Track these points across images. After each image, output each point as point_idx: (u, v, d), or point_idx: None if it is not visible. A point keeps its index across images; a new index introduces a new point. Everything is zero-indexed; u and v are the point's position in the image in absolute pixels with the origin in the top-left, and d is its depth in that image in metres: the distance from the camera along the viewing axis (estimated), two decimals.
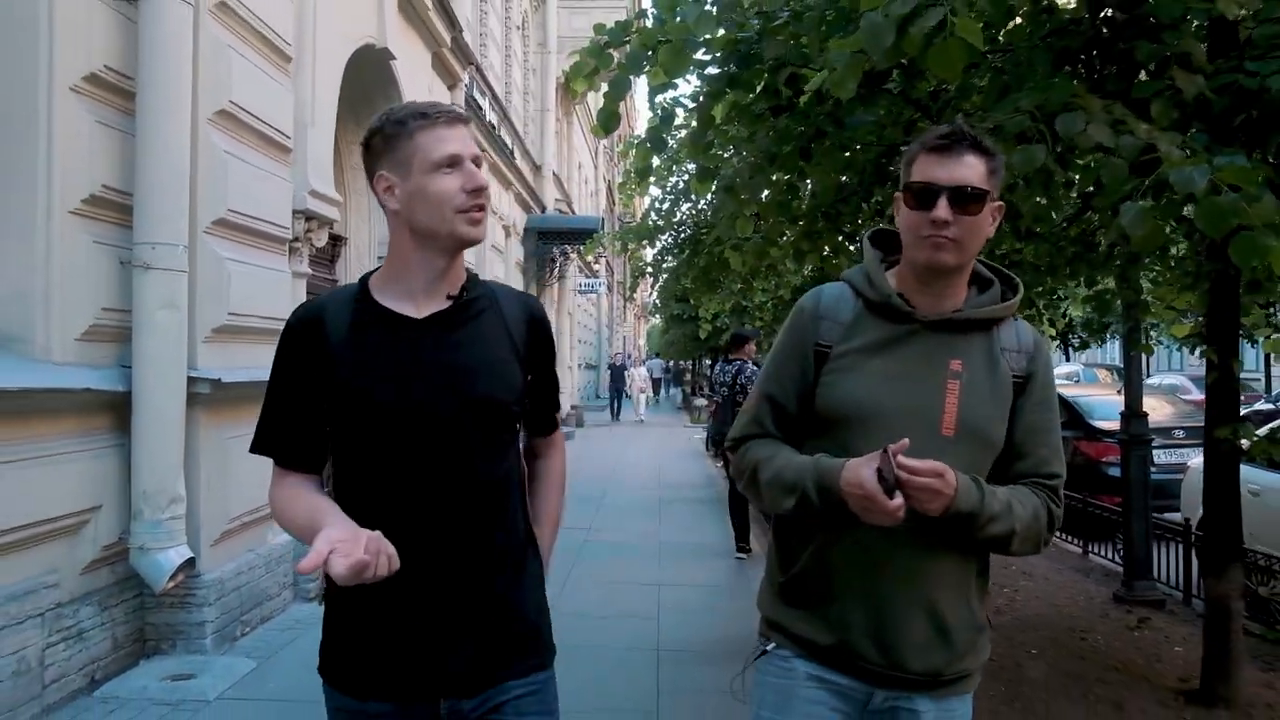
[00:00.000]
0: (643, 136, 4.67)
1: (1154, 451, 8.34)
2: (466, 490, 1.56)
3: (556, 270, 19.53)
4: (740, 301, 11.91)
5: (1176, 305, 5.00)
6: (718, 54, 3.94)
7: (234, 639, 4.73)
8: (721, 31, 3.75)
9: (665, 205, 10.29)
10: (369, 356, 1.54)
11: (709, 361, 24.73)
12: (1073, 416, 9.40)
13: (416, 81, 8.15)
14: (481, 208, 1.55)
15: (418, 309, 1.57)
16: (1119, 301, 5.12)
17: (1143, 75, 3.12)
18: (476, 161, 1.56)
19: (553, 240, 18.34)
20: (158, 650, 4.41)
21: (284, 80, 5.47)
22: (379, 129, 1.56)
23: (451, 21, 9.06)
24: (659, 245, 11.29)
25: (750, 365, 7.57)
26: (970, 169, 1.57)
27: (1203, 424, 4.25)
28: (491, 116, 12.95)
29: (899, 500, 1.45)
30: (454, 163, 1.52)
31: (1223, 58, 3.11)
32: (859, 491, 1.47)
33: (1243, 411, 14.82)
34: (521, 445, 1.78)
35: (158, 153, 4.19)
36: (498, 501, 1.61)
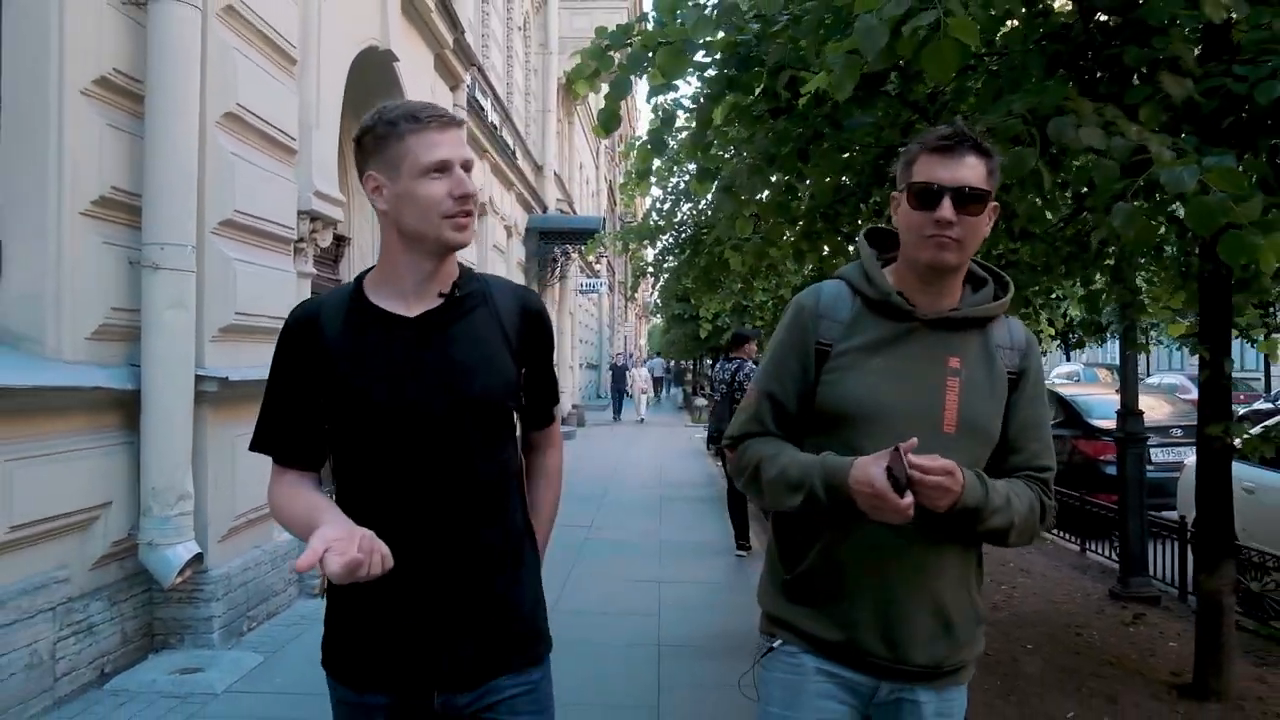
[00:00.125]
0: (644, 138, 4.73)
1: (1152, 450, 8.43)
2: (463, 488, 1.56)
3: (558, 270, 19.58)
4: (740, 301, 11.95)
5: (1171, 305, 5.05)
6: (717, 56, 4.00)
7: (240, 634, 4.80)
8: (721, 34, 3.81)
9: (666, 205, 10.34)
10: (363, 356, 1.56)
11: (710, 361, 24.79)
12: (1070, 415, 9.46)
13: (419, 83, 8.21)
14: (469, 213, 1.55)
15: (409, 308, 1.58)
16: (1112, 300, 5.17)
17: (1135, 80, 3.18)
18: (467, 166, 1.56)
19: (554, 240, 18.39)
20: (166, 645, 4.47)
21: (289, 82, 5.53)
22: (371, 128, 1.56)
23: (454, 23, 9.13)
24: (660, 245, 11.34)
25: (749, 364, 7.63)
26: (971, 170, 1.59)
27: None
28: (493, 117, 13.01)
29: (909, 498, 1.47)
30: (443, 168, 1.52)
31: (1215, 60, 3.17)
32: (869, 490, 1.49)
33: (1241, 411, 14.82)
34: (520, 438, 1.79)
35: (166, 155, 4.26)
36: (494, 498, 1.61)
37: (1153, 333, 15.64)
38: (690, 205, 9.85)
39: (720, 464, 10.72)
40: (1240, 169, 3.24)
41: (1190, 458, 7.01)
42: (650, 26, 4.03)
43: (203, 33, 4.48)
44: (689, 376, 34.66)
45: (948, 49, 2.37)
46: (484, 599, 1.58)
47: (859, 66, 2.68)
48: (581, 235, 18.42)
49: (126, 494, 4.25)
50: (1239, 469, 5.78)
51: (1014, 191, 3.46)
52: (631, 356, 34.37)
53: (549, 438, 1.86)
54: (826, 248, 5.13)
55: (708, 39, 3.76)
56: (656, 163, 7.47)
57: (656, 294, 22.66)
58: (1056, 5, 3.65)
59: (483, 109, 12.11)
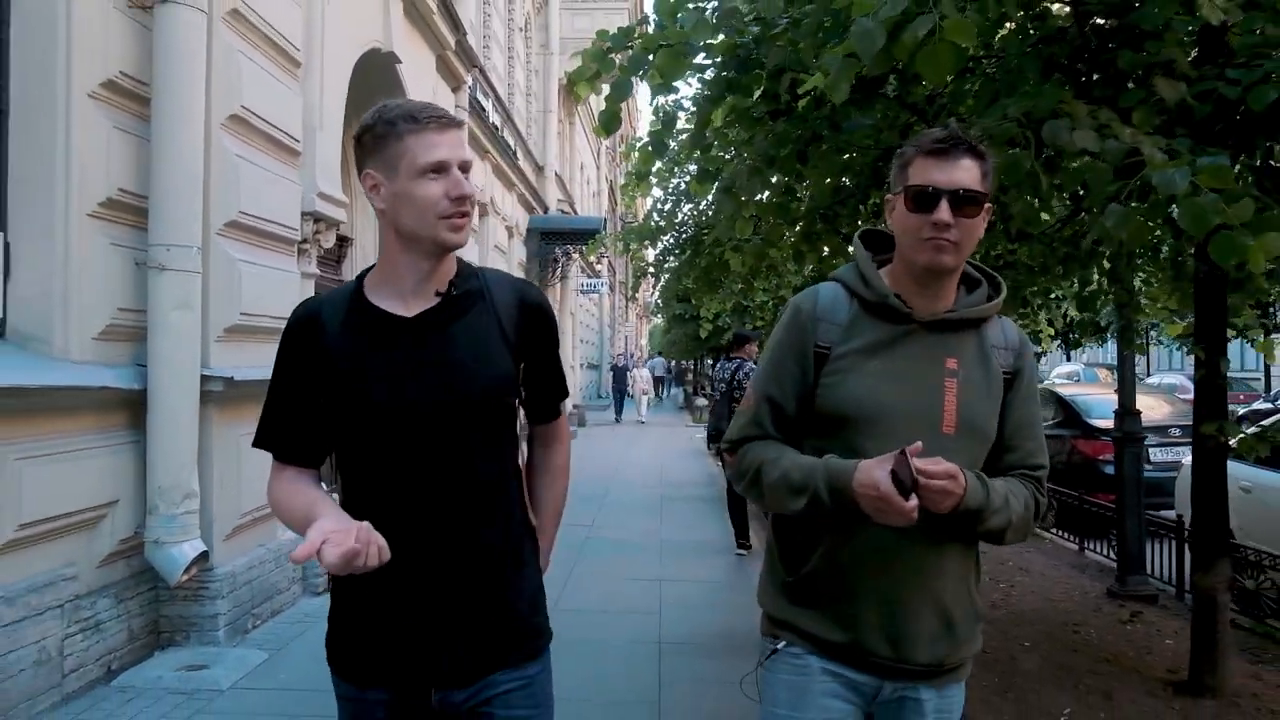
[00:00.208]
0: (644, 139, 4.77)
1: (1151, 450, 8.47)
2: (461, 486, 1.57)
3: (559, 270, 19.63)
4: (741, 301, 11.99)
5: (1168, 305, 5.09)
6: (718, 59, 4.05)
7: (245, 631, 4.84)
8: (720, 37, 3.85)
9: (667, 206, 10.37)
10: (362, 356, 1.57)
11: (710, 361, 24.81)
12: (1070, 415, 9.50)
13: (421, 84, 8.26)
14: (465, 214, 1.56)
15: (408, 307, 1.59)
16: (1109, 300, 5.21)
17: (1131, 85, 3.22)
18: (464, 168, 1.56)
19: (555, 240, 18.44)
20: (172, 642, 4.52)
21: (293, 85, 5.58)
22: (370, 126, 1.56)
23: (456, 25, 9.17)
24: (660, 246, 11.37)
25: (749, 364, 7.67)
26: (967, 172, 1.60)
27: None
28: (495, 118, 13.05)
29: (914, 501, 1.47)
30: (440, 169, 1.52)
31: (1210, 64, 3.21)
32: (874, 493, 1.49)
33: (1241, 411, 14.85)
34: (525, 434, 1.80)
35: (172, 157, 4.31)
36: (493, 496, 1.61)
37: (1153, 333, 15.64)
38: (691, 206, 9.88)
39: (720, 464, 10.76)
40: (1236, 170, 3.30)
41: (1188, 457, 7.06)
42: (651, 29, 4.08)
43: (208, 36, 4.53)
44: (690, 376, 34.71)
45: (943, 52, 2.41)
46: (480, 597, 1.59)
47: (854, 69, 2.72)
48: (582, 235, 18.45)
49: (133, 493, 4.29)
50: (1236, 469, 5.83)
51: (1011, 193, 3.51)
52: (633, 357, 34.39)
53: (555, 432, 1.84)
54: (826, 248, 5.17)
55: (708, 42, 3.80)
56: (658, 164, 7.52)
57: (657, 294, 22.71)
58: (1054, 9, 3.70)
59: (484, 110, 12.16)
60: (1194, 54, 3.49)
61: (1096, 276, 5.36)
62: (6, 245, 3.84)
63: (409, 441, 1.55)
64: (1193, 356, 4.22)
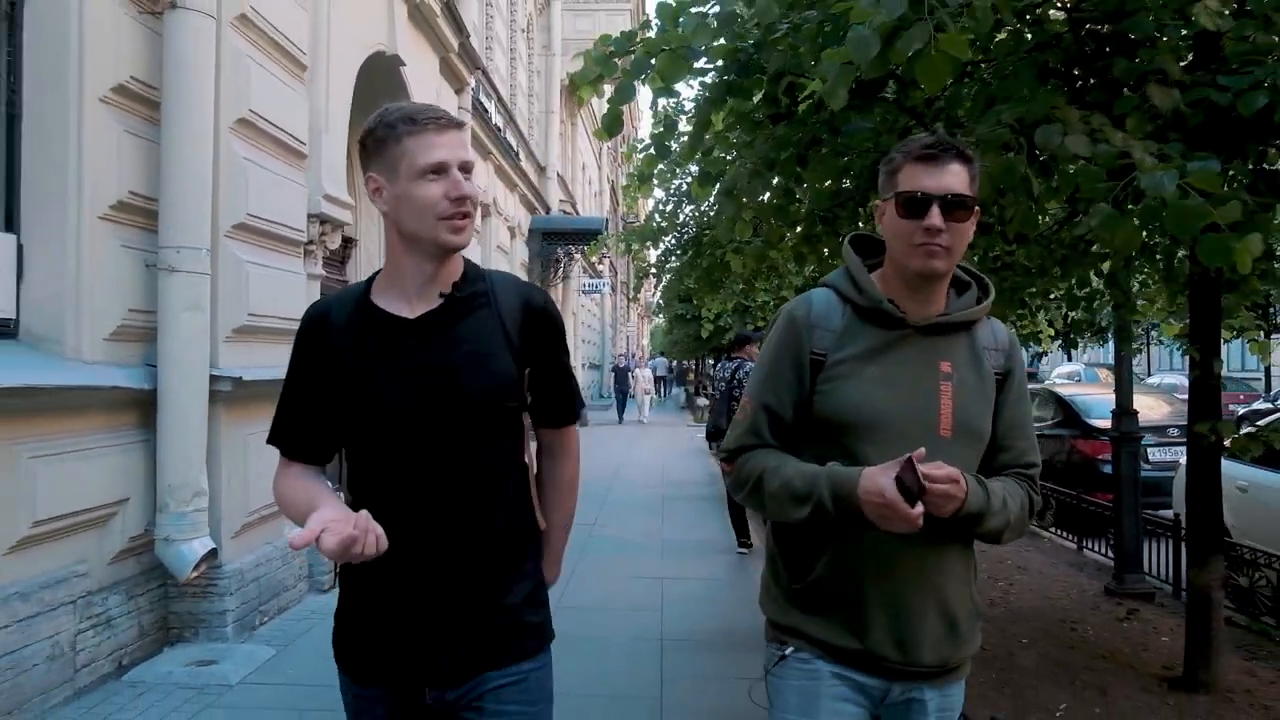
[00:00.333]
0: (646, 141, 4.83)
1: (1150, 449, 8.53)
2: (456, 486, 1.57)
3: (561, 271, 19.70)
4: (742, 301, 12.07)
5: (1164, 307, 5.15)
6: (719, 63, 4.11)
7: (253, 628, 4.91)
8: (721, 41, 3.90)
9: (669, 207, 10.44)
10: (366, 356, 1.58)
11: (712, 361, 24.85)
12: (1069, 415, 9.55)
13: (425, 86, 8.32)
14: (466, 215, 1.56)
15: (411, 309, 1.60)
16: (1106, 302, 5.27)
17: (1125, 91, 3.28)
18: (465, 169, 1.56)
19: (557, 241, 18.51)
20: (181, 638, 4.59)
21: (299, 88, 5.65)
22: (372, 129, 1.57)
23: (459, 27, 9.24)
24: (662, 246, 11.44)
25: (749, 363, 7.72)
26: (956, 177, 1.62)
27: None
28: (497, 119, 13.12)
29: (920, 508, 1.48)
30: (439, 170, 1.52)
31: (1205, 70, 3.28)
32: (879, 500, 1.50)
33: (1241, 411, 14.88)
34: (534, 440, 1.79)
35: (182, 160, 4.38)
36: (490, 497, 1.61)
37: (1153, 333, 15.68)
38: (692, 207, 9.94)
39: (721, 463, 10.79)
40: (1230, 173, 3.36)
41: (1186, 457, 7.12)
42: (653, 34, 4.14)
43: (216, 41, 4.59)
44: (691, 376, 34.78)
45: (940, 62, 2.47)
46: (475, 597, 1.59)
47: (851, 75, 2.78)
48: (584, 236, 18.53)
49: (143, 491, 4.36)
50: (1233, 468, 5.89)
51: (1009, 196, 3.57)
52: (634, 357, 34.42)
53: (562, 443, 1.81)
54: (826, 250, 5.23)
55: (708, 45, 3.86)
56: (660, 166, 7.59)
57: (659, 294, 22.76)
58: (1051, 15, 3.75)
59: (487, 111, 12.22)
60: (1189, 59, 3.56)
61: (1094, 278, 5.42)
62: (20, 247, 3.90)
63: (407, 441, 1.56)
64: (1184, 356, 4.28)
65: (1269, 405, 15.34)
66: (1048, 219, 4.68)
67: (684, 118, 4.89)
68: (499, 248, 13.57)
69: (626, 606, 5.65)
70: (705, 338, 20.82)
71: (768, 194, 4.66)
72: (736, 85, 4.09)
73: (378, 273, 1.68)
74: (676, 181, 10.18)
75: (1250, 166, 3.74)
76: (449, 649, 1.58)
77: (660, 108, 4.69)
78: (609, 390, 27.93)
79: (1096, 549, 7.35)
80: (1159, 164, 2.60)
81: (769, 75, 3.88)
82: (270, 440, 1.69)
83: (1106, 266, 5.11)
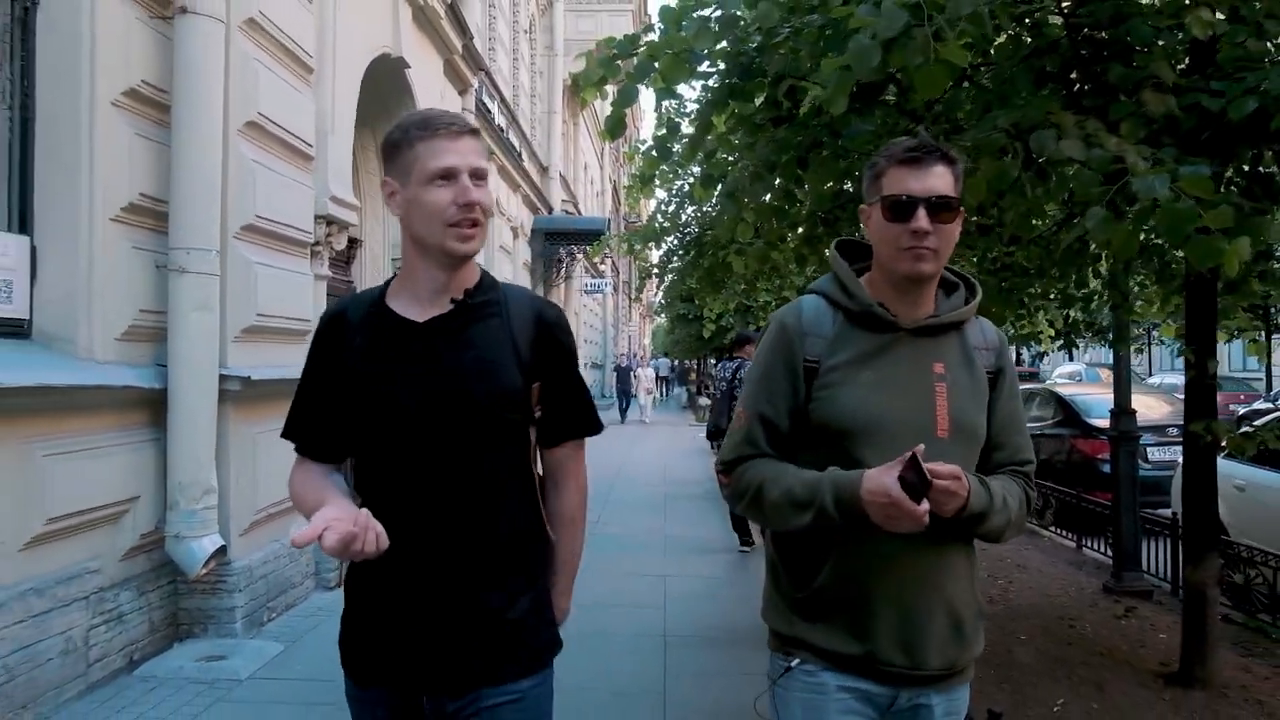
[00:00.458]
0: (648, 142, 4.88)
1: (1150, 449, 8.58)
2: (455, 491, 1.56)
3: (563, 271, 19.76)
4: (744, 302, 12.13)
5: (1161, 308, 5.21)
6: (721, 66, 4.16)
7: (261, 624, 4.97)
8: (723, 44, 3.96)
9: (671, 208, 10.50)
10: (375, 358, 1.59)
11: (713, 360, 24.91)
12: (1069, 415, 9.60)
13: (429, 88, 8.38)
14: (475, 223, 1.55)
15: (422, 314, 1.60)
16: (1104, 302, 5.32)
17: (1121, 97, 3.33)
18: (477, 175, 1.55)
19: (559, 241, 18.57)
20: (190, 634, 4.65)
21: (306, 91, 5.71)
22: (389, 135, 1.60)
23: (463, 29, 9.30)
24: (665, 247, 11.49)
25: (749, 363, 7.77)
26: (941, 178, 1.62)
27: None
28: (500, 120, 13.19)
29: (926, 505, 1.47)
30: (448, 175, 1.52)
31: (1199, 74, 3.33)
32: (884, 500, 1.48)
33: (1241, 411, 14.88)
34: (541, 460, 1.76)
35: (192, 162, 4.44)
36: (494, 504, 1.59)
37: (1155, 333, 15.72)
38: (694, 208, 10.00)
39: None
40: (1224, 177, 3.42)
41: None
42: (656, 36, 4.20)
43: (226, 45, 4.66)
44: (693, 376, 34.85)
45: (939, 71, 2.54)
46: (475, 605, 1.57)
47: (850, 81, 2.84)
48: (587, 236, 18.59)
49: (154, 489, 4.43)
50: (1231, 467, 5.95)
51: (1008, 198, 3.62)
52: (636, 356, 34.47)
53: (566, 468, 1.75)
54: (827, 252, 5.28)
55: (710, 49, 3.91)
56: (662, 167, 7.64)
57: (660, 294, 22.82)
58: (1050, 20, 3.81)
59: (490, 112, 12.29)
60: (1185, 64, 3.61)
61: (1093, 279, 5.48)
62: (33, 249, 3.97)
63: (408, 445, 1.56)
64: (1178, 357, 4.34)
65: (1269, 405, 15.39)
66: (1046, 221, 4.74)
67: (686, 120, 4.94)
68: (502, 248, 13.63)
69: (630, 603, 5.71)
70: (707, 338, 20.90)
71: (769, 196, 4.72)
72: (738, 88, 4.15)
73: (395, 276, 1.70)
74: (679, 182, 10.25)
75: (1245, 169, 3.80)
76: (448, 656, 1.57)
77: (663, 109, 4.74)
78: (611, 390, 27.95)
79: (1095, 548, 7.40)
80: (1151, 168, 2.66)
81: (770, 79, 3.94)
82: (285, 435, 1.71)
83: (1105, 267, 5.17)
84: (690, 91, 20.37)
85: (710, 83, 4.43)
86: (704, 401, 25.47)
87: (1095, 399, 9.73)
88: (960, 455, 1.63)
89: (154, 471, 4.43)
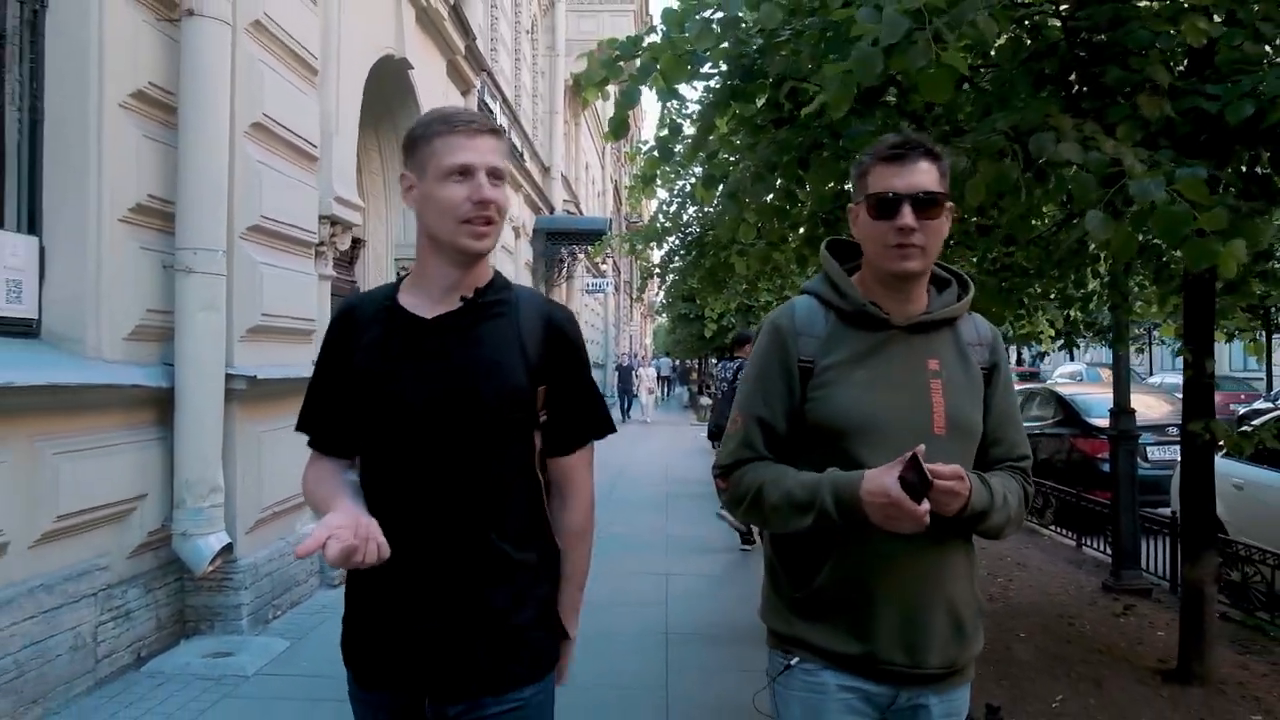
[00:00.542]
0: (650, 143, 4.92)
1: (1149, 448, 8.62)
2: (454, 489, 1.54)
3: (564, 270, 19.79)
4: (745, 301, 12.16)
5: (1160, 309, 5.24)
6: (723, 68, 4.20)
7: (267, 621, 5.01)
8: (724, 45, 4.00)
9: (672, 208, 10.54)
10: (381, 354, 1.58)
11: (715, 360, 24.95)
12: (1069, 414, 9.63)
13: (432, 89, 8.43)
14: (489, 221, 1.54)
15: (431, 310, 1.59)
16: (1103, 302, 5.36)
17: (1119, 100, 3.37)
18: (495, 174, 1.54)
19: (561, 241, 18.59)
20: (197, 630, 4.69)
21: (311, 92, 5.75)
22: (411, 129, 1.59)
23: (466, 30, 9.34)
24: (666, 247, 11.53)
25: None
26: (925, 174, 1.62)
27: None
28: (502, 120, 13.22)
29: (926, 505, 1.46)
30: (465, 172, 1.51)
31: (1198, 77, 3.37)
32: (884, 500, 1.48)
33: (1241, 410, 14.87)
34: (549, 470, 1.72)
35: (198, 164, 4.48)
36: (492, 504, 1.57)
37: (1155, 333, 15.73)
38: (696, 209, 10.04)
39: None
40: (1220, 179, 3.45)
41: None
42: (658, 38, 4.24)
43: (232, 47, 4.70)
44: (694, 375, 34.89)
45: (943, 76, 2.58)
46: (472, 605, 1.55)
47: (852, 85, 2.88)
48: (588, 236, 18.62)
49: (161, 487, 4.47)
50: (1230, 466, 5.99)
51: (1006, 199, 3.66)
52: (637, 356, 34.51)
53: (575, 479, 1.71)
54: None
55: (712, 50, 3.95)
56: (664, 167, 7.68)
57: (662, 294, 22.86)
58: (1049, 23, 3.85)
59: (492, 112, 12.32)
60: (1184, 66, 3.65)
61: (1092, 279, 5.51)
62: (42, 249, 4.01)
63: (413, 441, 1.55)
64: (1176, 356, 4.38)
65: (1269, 404, 15.41)
66: (1044, 222, 4.78)
67: (687, 120, 4.98)
68: (504, 248, 13.67)
69: (633, 601, 5.75)
70: (709, 337, 20.95)
71: (770, 196, 4.76)
72: (739, 90, 4.19)
73: (409, 273, 1.70)
74: (680, 183, 10.29)
75: (1243, 170, 3.84)
76: (450, 656, 1.55)
77: (667, 110, 4.78)
78: (613, 389, 27.98)
79: (1095, 546, 7.44)
80: (1148, 171, 2.70)
81: (771, 80, 3.98)
82: (298, 428, 1.71)
83: (1104, 268, 5.21)
84: (692, 92, 20.42)
85: (712, 84, 4.47)
86: (705, 401, 25.50)
87: (1095, 398, 9.77)
88: (958, 452, 1.62)
89: (161, 470, 4.47)
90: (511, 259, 14.40)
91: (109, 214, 4.13)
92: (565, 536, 1.70)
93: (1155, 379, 22.27)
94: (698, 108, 4.86)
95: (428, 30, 8.38)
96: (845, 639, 1.64)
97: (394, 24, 7.36)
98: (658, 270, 12.31)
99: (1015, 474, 1.73)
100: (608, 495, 10.12)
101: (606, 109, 27.29)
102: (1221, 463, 5.70)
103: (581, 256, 21.00)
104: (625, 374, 25.84)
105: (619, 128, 4.38)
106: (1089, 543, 7.55)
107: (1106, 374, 21.89)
